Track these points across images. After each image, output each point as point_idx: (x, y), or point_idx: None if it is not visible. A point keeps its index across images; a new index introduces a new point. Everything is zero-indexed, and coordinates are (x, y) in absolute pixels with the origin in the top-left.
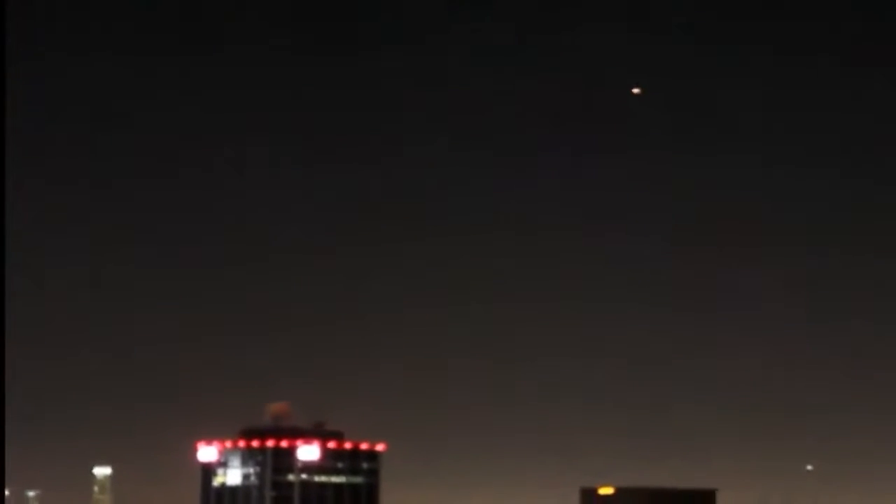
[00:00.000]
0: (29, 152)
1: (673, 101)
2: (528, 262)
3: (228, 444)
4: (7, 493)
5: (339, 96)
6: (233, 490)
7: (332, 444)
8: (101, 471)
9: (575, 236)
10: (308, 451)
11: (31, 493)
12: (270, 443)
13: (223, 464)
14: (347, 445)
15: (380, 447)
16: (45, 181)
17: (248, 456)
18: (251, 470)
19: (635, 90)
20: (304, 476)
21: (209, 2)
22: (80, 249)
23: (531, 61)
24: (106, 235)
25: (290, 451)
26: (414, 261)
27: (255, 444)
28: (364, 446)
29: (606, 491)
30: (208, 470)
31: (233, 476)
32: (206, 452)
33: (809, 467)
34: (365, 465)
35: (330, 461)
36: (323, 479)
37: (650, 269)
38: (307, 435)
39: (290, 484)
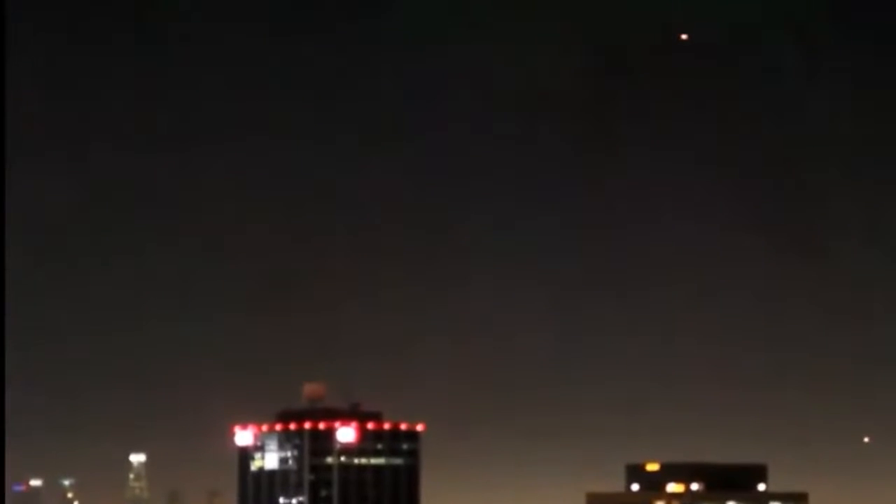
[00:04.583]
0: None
1: None
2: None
3: (265, 427)
4: (40, 482)
5: None
6: (271, 474)
7: (370, 426)
8: (137, 458)
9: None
10: (346, 433)
11: (66, 482)
12: (307, 425)
13: (260, 448)
14: (386, 426)
15: (419, 427)
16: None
17: (285, 439)
18: (289, 453)
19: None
20: (342, 458)
21: None
22: (114, 233)
23: None
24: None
25: (328, 434)
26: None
27: (292, 426)
28: (403, 427)
29: (653, 467)
30: (245, 454)
31: (270, 460)
32: (243, 437)
33: (866, 440)
34: (405, 446)
35: (368, 442)
36: (362, 461)
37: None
38: (344, 416)
39: (329, 467)
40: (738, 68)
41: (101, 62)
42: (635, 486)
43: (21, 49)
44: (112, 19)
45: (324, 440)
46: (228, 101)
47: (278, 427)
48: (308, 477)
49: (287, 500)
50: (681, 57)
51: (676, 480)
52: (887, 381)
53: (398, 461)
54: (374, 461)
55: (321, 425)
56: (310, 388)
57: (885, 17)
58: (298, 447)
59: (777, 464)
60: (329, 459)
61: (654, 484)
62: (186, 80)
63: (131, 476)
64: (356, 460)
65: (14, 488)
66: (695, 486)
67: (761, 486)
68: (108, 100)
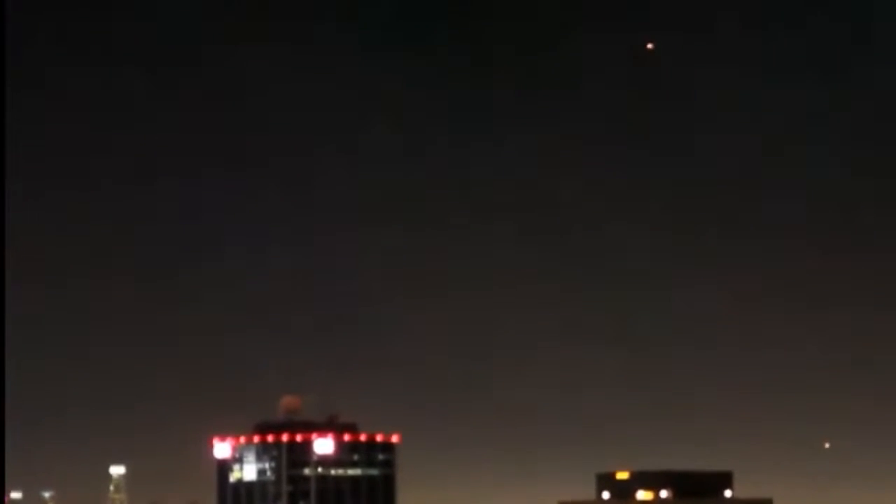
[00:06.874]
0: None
1: None
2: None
3: (243, 439)
4: (21, 494)
5: None
6: (249, 486)
7: (346, 437)
8: (116, 469)
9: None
10: (323, 445)
11: (46, 494)
12: (285, 437)
13: (238, 459)
14: (362, 437)
15: (395, 438)
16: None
17: (262, 451)
18: (267, 465)
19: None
20: (319, 470)
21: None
22: (86, 248)
23: None
24: (114, 231)
25: (305, 445)
26: (423, 251)
27: (269, 438)
28: (379, 438)
29: (623, 475)
30: (224, 466)
31: (249, 471)
32: (221, 449)
33: (827, 445)
34: (381, 457)
35: (345, 454)
36: (339, 472)
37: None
38: (321, 428)
39: (307, 478)
40: None
41: None
42: (606, 495)
43: None
44: None
45: (301, 452)
46: None
47: (256, 439)
48: (286, 488)
49: None
50: None
51: (646, 488)
52: (845, 386)
53: (374, 472)
54: (350, 472)
55: (298, 437)
56: (287, 401)
57: None
58: (276, 459)
59: (742, 470)
60: (306, 471)
61: (624, 492)
62: None
63: (111, 488)
64: (333, 471)
65: None
66: (664, 494)
67: (728, 493)
68: None
